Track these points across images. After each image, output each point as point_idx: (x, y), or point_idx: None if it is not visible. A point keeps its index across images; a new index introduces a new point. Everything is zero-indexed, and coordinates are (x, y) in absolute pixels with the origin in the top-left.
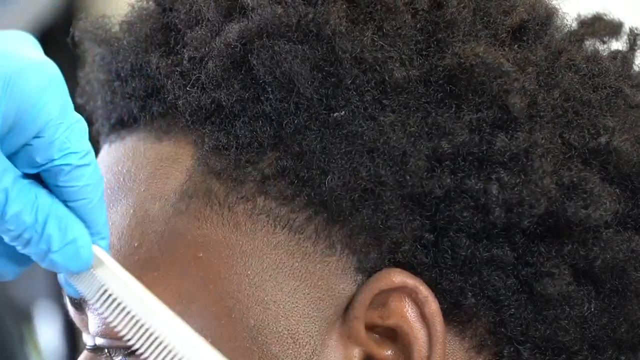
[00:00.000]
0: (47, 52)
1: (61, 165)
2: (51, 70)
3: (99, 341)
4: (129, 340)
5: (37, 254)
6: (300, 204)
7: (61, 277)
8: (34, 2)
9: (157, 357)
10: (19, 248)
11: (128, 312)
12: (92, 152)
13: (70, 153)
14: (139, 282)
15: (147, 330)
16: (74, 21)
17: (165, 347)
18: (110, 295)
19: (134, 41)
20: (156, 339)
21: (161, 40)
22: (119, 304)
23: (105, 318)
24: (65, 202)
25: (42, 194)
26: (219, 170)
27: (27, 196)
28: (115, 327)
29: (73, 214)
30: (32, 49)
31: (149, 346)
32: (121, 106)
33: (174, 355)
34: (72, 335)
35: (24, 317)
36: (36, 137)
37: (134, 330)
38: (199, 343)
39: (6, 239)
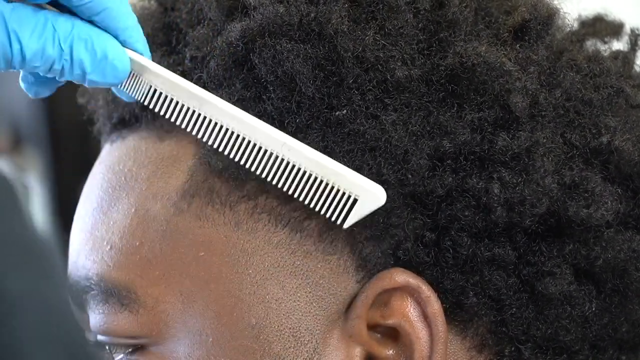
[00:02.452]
0: None
1: None
2: None
3: (101, 338)
4: (190, 129)
5: (75, 79)
6: (302, 202)
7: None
8: None
9: (217, 137)
10: (56, 77)
11: (181, 105)
12: None
13: None
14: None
15: (204, 117)
16: None
17: (222, 127)
18: (160, 93)
19: None
20: (215, 123)
21: (163, 40)
22: (170, 100)
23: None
24: (88, 19)
25: (61, 22)
26: (220, 169)
27: (44, 31)
28: (174, 121)
29: (97, 29)
30: None
31: (210, 131)
32: (122, 105)
33: (232, 133)
34: None
35: None
36: None
37: (192, 119)
38: (248, 117)
39: (41, 72)
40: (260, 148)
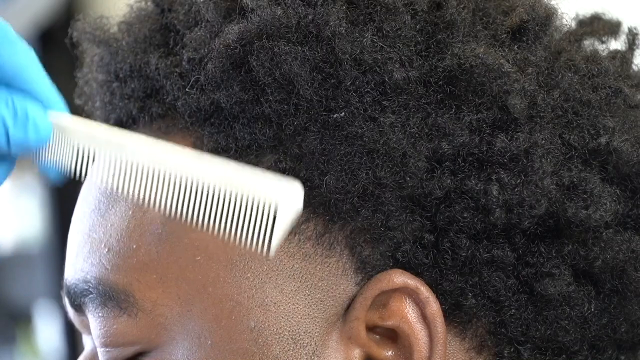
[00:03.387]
0: (46, 52)
1: None
2: None
3: (100, 350)
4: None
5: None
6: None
7: (42, 164)
8: (33, 2)
9: (151, 183)
10: None
11: (105, 156)
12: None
13: None
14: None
15: (133, 164)
16: (73, 21)
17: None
18: (85, 148)
19: (132, 42)
20: (135, 164)
21: (160, 41)
22: (99, 153)
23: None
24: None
25: None
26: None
27: None
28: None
29: (15, 91)
30: None
31: (140, 176)
32: (120, 107)
33: (170, 175)
34: (72, 335)
35: (22, 318)
36: None
37: (117, 170)
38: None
39: None
40: (176, 177)
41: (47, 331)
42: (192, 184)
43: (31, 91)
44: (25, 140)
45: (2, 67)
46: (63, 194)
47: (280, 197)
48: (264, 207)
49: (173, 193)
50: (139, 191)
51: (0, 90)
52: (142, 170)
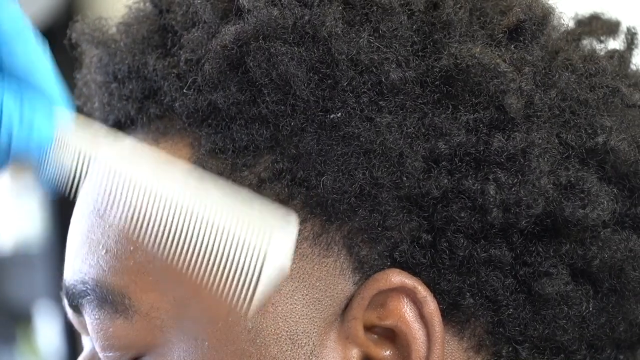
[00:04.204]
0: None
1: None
2: None
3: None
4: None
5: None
6: (297, 205)
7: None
8: (33, 2)
9: (147, 205)
10: None
11: (110, 169)
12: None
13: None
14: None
15: (131, 180)
16: (72, 22)
17: (155, 195)
18: (87, 157)
19: (130, 43)
20: (139, 185)
21: (158, 42)
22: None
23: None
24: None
25: None
26: (215, 174)
27: None
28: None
29: (26, 89)
30: None
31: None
32: (118, 108)
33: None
34: (72, 335)
35: (22, 318)
36: None
37: (119, 183)
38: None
39: None
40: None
41: (47, 331)
42: (182, 216)
43: (40, 89)
44: (27, 144)
45: (15, 63)
46: (62, 195)
47: (269, 252)
48: (250, 259)
49: (161, 226)
50: (124, 218)
51: (10, 85)
52: (135, 196)
